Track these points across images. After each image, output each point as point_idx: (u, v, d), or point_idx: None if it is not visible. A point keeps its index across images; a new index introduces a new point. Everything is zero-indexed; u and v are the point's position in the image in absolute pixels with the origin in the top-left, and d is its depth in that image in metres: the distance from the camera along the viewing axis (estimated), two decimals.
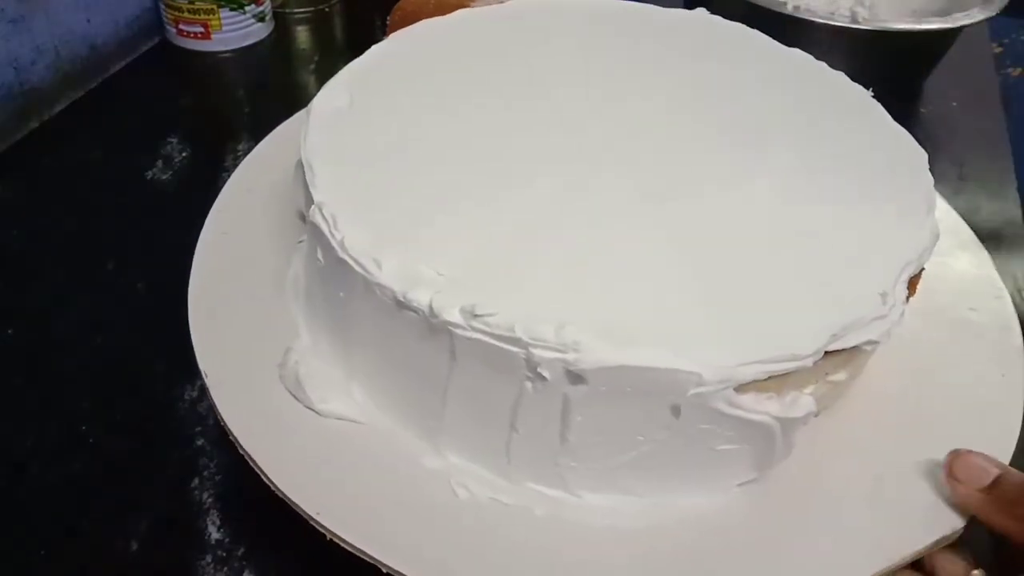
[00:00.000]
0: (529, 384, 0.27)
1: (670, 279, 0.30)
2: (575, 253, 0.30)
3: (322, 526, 0.28)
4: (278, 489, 0.29)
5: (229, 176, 0.52)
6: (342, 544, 0.28)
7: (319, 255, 0.32)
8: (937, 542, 0.29)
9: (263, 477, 0.30)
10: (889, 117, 0.38)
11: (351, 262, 0.29)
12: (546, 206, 0.32)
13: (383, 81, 0.38)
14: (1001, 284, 0.39)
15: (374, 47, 0.40)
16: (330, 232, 0.30)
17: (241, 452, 0.31)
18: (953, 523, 0.29)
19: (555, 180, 0.33)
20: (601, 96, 0.38)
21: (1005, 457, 0.32)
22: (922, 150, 0.36)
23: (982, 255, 0.41)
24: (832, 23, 0.57)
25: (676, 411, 0.27)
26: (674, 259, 0.30)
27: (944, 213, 0.42)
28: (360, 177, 0.33)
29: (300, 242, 0.35)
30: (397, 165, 0.34)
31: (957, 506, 0.29)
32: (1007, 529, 0.27)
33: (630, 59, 0.41)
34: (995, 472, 0.28)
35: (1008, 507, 0.27)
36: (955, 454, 0.29)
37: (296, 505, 0.29)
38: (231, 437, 0.31)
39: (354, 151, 0.34)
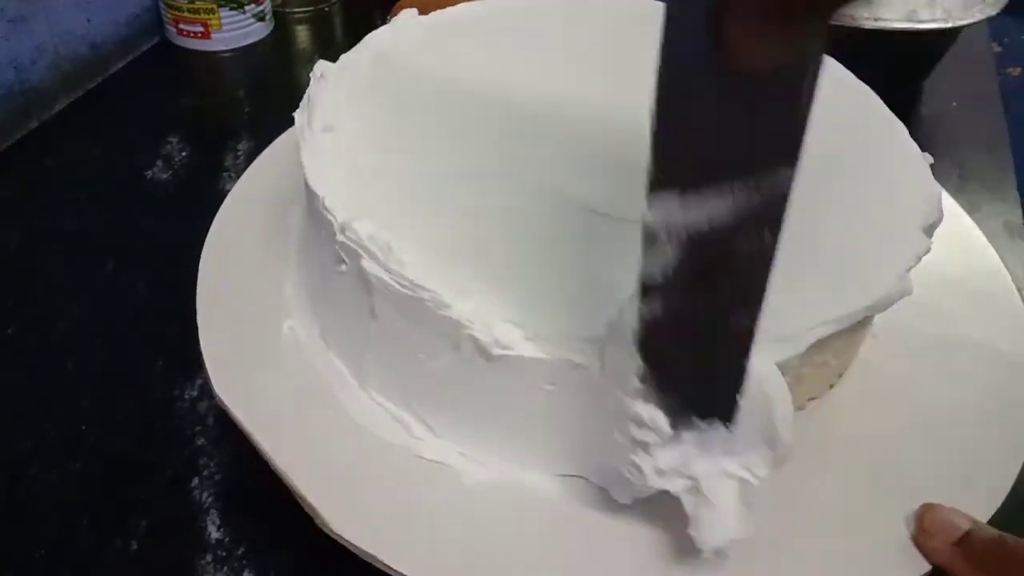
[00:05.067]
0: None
1: None
2: (549, 246, 0.30)
3: (335, 533, 0.29)
4: (290, 483, 0.29)
5: (229, 176, 0.52)
6: (342, 541, 0.28)
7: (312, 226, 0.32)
8: None
9: (271, 465, 0.30)
10: (894, 118, 0.38)
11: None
12: (545, 205, 0.32)
13: (379, 75, 0.38)
14: (1009, 279, 0.39)
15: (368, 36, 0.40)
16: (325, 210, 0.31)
17: (247, 436, 0.31)
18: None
19: (555, 180, 0.33)
20: (599, 93, 0.38)
21: (1018, 461, 0.32)
22: (925, 157, 0.36)
23: (988, 251, 0.41)
24: (832, 23, 0.57)
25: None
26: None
27: (951, 211, 0.42)
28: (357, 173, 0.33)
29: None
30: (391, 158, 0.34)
31: (927, 559, 0.29)
32: None
33: (632, 59, 0.41)
34: (966, 526, 0.28)
35: (977, 561, 0.27)
36: (927, 507, 0.29)
37: (305, 500, 0.29)
38: (235, 421, 0.31)
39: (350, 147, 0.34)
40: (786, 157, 0.19)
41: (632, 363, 0.25)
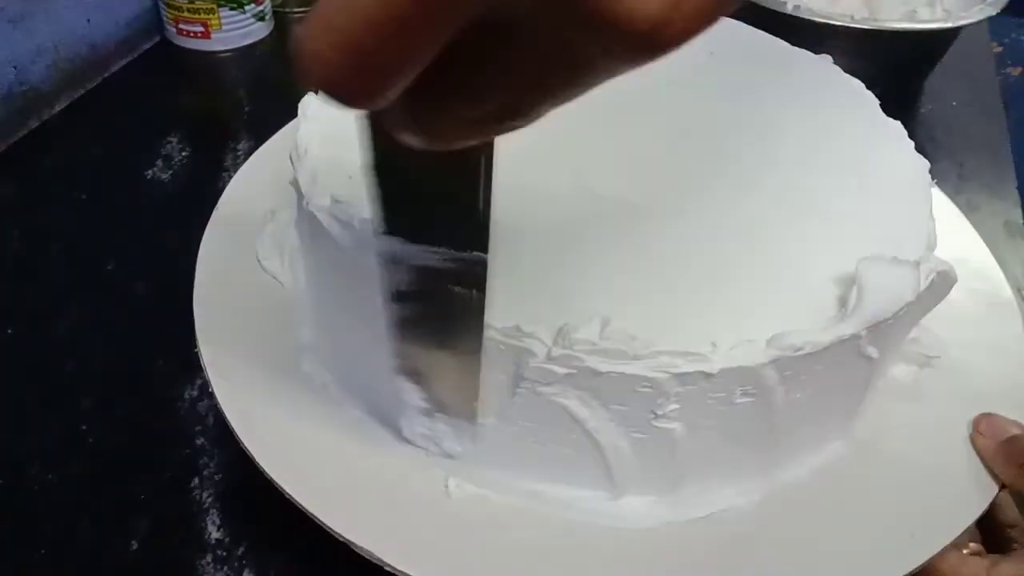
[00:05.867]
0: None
1: (668, 279, 0.30)
2: (578, 248, 0.30)
3: (325, 525, 0.29)
4: (280, 487, 0.30)
5: (229, 176, 0.52)
6: (343, 540, 0.29)
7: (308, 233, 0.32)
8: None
9: (263, 473, 0.30)
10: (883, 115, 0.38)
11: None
12: (552, 206, 0.32)
13: None
14: (1004, 281, 0.39)
15: None
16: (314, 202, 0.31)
17: (243, 447, 0.31)
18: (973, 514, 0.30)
19: (557, 178, 0.33)
20: (601, 94, 0.38)
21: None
22: (923, 159, 0.36)
23: (986, 253, 0.41)
24: (832, 23, 0.57)
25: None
26: (667, 259, 0.30)
27: (948, 211, 0.42)
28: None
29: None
30: None
31: (977, 454, 0.32)
32: (1009, 479, 0.31)
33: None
34: (1015, 431, 0.32)
35: (1015, 458, 0.31)
36: (983, 414, 0.33)
37: (298, 502, 0.29)
38: (233, 432, 0.31)
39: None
40: (472, 244, 0.22)
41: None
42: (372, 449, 0.31)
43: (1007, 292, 0.39)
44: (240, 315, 0.36)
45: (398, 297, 0.24)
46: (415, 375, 0.28)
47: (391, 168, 0.19)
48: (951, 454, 0.33)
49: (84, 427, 0.37)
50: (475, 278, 0.23)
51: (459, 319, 0.25)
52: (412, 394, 0.29)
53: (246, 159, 0.46)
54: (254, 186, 0.42)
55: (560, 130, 0.35)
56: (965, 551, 0.31)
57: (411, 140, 0.16)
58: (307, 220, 0.32)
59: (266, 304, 0.36)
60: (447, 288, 0.23)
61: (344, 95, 0.14)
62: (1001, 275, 0.40)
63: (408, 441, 0.31)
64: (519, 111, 0.15)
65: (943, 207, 0.40)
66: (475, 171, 0.19)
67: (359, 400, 0.33)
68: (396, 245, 0.22)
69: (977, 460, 0.32)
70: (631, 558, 0.29)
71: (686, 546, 0.29)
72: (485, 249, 0.22)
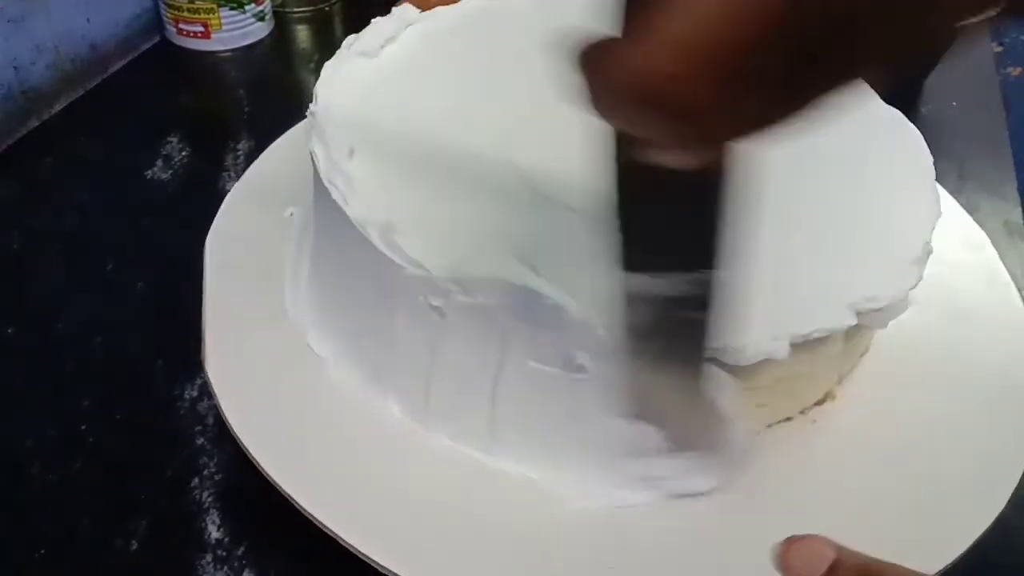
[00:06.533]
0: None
1: None
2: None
3: (330, 530, 0.29)
4: (277, 484, 0.30)
5: (229, 176, 0.52)
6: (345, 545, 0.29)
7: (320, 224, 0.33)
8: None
9: (261, 471, 0.30)
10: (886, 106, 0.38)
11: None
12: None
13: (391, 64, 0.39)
14: (1008, 279, 0.39)
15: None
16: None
17: (242, 449, 0.31)
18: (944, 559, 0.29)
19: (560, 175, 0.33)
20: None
21: (1019, 457, 0.32)
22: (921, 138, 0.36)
23: (989, 251, 0.41)
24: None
25: None
26: None
27: (951, 210, 0.42)
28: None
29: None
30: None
31: None
32: None
33: None
34: (832, 556, 0.25)
35: None
36: (788, 542, 0.26)
37: (297, 503, 0.29)
38: (232, 433, 0.31)
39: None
40: (706, 261, 0.22)
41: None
42: (379, 450, 0.32)
43: (1011, 288, 0.39)
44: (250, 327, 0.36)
45: (637, 336, 0.25)
46: (656, 415, 0.28)
47: (637, 205, 0.20)
48: (952, 455, 0.32)
49: (84, 427, 0.37)
50: (711, 297, 0.23)
51: (696, 344, 0.25)
52: (651, 436, 0.28)
53: (246, 159, 0.46)
54: (259, 187, 0.42)
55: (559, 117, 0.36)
56: None
57: (674, 158, 0.17)
58: (325, 210, 0.32)
59: (274, 306, 0.36)
60: (687, 314, 0.23)
61: (692, 109, 0.15)
62: (1005, 273, 0.40)
63: (639, 486, 0.30)
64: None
65: (945, 203, 0.40)
66: (719, 188, 0.19)
67: (376, 388, 0.33)
68: (642, 280, 0.23)
69: (984, 463, 0.31)
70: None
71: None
72: (724, 266, 0.22)
